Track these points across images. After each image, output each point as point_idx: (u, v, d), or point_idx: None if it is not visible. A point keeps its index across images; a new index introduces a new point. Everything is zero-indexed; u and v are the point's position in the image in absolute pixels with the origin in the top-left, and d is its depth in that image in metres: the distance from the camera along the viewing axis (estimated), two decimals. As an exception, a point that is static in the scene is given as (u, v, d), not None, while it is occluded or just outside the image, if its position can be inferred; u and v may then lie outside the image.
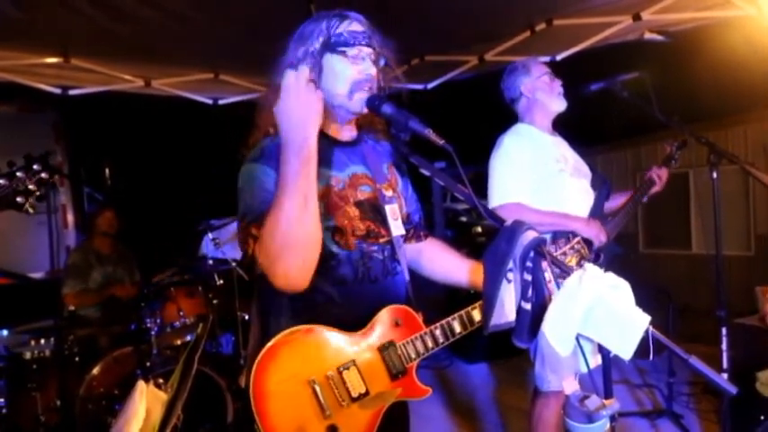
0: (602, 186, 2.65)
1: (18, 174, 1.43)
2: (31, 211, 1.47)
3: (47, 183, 1.48)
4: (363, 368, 1.40)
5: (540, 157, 2.52)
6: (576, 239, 1.67)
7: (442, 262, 1.75)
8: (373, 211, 1.50)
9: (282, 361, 1.36)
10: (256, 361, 1.34)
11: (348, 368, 1.39)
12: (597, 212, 2.57)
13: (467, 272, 1.69)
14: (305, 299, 1.41)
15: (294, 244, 1.26)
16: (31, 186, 1.44)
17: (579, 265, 1.51)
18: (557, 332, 1.17)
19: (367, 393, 1.40)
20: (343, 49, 1.44)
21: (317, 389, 1.36)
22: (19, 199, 1.44)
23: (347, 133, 1.56)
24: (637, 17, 3.36)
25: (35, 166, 1.45)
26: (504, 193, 2.47)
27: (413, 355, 1.46)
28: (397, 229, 1.53)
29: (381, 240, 1.50)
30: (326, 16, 1.48)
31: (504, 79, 2.70)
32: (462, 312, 1.51)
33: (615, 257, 2.51)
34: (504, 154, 2.54)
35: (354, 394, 1.39)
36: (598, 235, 2.41)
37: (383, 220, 1.51)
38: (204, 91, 4.60)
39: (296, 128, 1.29)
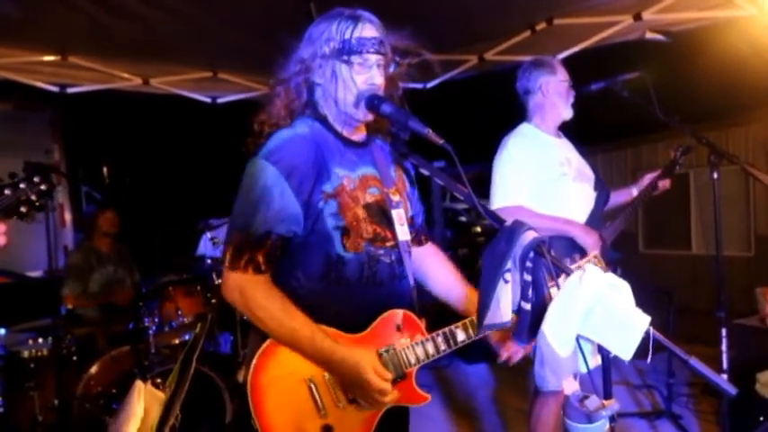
0: (600, 192, 2.64)
1: (21, 185, 1.52)
2: (31, 219, 1.57)
3: (46, 193, 1.58)
4: None
5: (544, 159, 2.51)
6: (594, 254, 1.67)
7: (440, 279, 1.71)
8: (380, 214, 1.48)
9: (281, 358, 1.36)
10: (255, 356, 1.34)
11: None
12: (595, 219, 2.57)
13: (461, 299, 1.65)
14: (310, 299, 1.41)
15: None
16: (32, 197, 1.53)
17: None
18: (557, 332, 1.16)
19: None
20: (349, 57, 1.41)
21: (314, 388, 1.36)
22: (22, 208, 1.53)
23: (357, 134, 1.55)
24: (637, 17, 3.35)
25: (35, 179, 1.55)
26: (506, 195, 2.46)
27: (412, 361, 1.44)
28: (403, 234, 1.52)
29: (388, 244, 1.49)
30: (339, 16, 1.44)
31: (526, 69, 2.65)
32: (467, 320, 1.49)
33: (613, 261, 2.50)
34: (507, 156, 2.53)
35: (351, 395, 1.39)
36: (594, 245, 2.40)
37: (390, 224, 1.49)
38: (203, 89, 4.59)
39: (336, 371, 1.38)
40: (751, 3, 3.11)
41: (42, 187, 1.55)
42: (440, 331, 1.48)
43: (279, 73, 1.49)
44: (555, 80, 2.58)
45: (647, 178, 2.77)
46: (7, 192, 1.50)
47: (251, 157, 1.42)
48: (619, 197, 2.79)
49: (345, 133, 1.51)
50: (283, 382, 1.35)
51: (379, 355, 1.41)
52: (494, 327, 1.29)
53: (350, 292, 1.43)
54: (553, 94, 2.58)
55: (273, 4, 3.02)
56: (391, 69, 1.50)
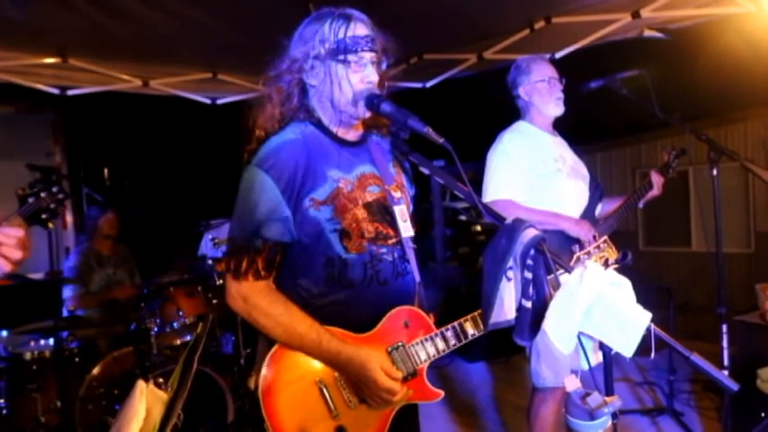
0: (594, 190, 2.65)
1: (42, 194, 1.60)
2: (51, 226, 1.64)
3: (62, 201, 1.67)
4: None
5: (538, 155, 2.52)
6: (603, 239, 1.67)
7: None
8: (381, 212, 1.48)
9: (290, 362, 1.36)
10: (265, 362, 1.34)
11: None
12: (589, 215, 2.58)
13: None
14: (315, 302, 1.42)
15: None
16: (51, 205, 1.62)
17: (605, 265, 1.48)
18: (558, 330, 1.17)
19: None
20: (345, 57, 1.41)
21: (325, 390, 1.36)
22: (43, 216, 1.61)
23: (353, 133, 1.54)
24: (636, 14, 3.35)
25: (54, 188, 1.63)
26: (497, 189, 2.48)
27: (422, 357, 1.44)
28: (406, 230, 1.51)
29: (390, 242, 1.49)
30: (329, 16, 1.44)
31: (509, 74, 2.69)
32: (476, 314, 1.47)
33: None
34: (501, 150, 2.55)
35: (360, 395, 1.39)
36: (587, 235, 2.41)
37: (392, 222, 1.49)
38: (202, 90, 4.59)
39: (344, 372, 1.38)
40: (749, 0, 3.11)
41: (60, 196, 1.62)
42: (449, 326, 1.46)
43: (270, 72, 1.49)
44: (529, 81, 2.59)
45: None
46: (30, 200, 1.56)
47: (245, 165, 1.43)
48: (614, 203, 2.77)
49: (340, 134, 1.50)
50: (294, 385, 1.35)
51: (389, 353, 1.40)
52: (499, 325, 1.29)
53: (354, 292, 1.43)
54: (532, 96, 2.59)
55: (273, 5, 3.02)
56: (383, 67, 1.50)
